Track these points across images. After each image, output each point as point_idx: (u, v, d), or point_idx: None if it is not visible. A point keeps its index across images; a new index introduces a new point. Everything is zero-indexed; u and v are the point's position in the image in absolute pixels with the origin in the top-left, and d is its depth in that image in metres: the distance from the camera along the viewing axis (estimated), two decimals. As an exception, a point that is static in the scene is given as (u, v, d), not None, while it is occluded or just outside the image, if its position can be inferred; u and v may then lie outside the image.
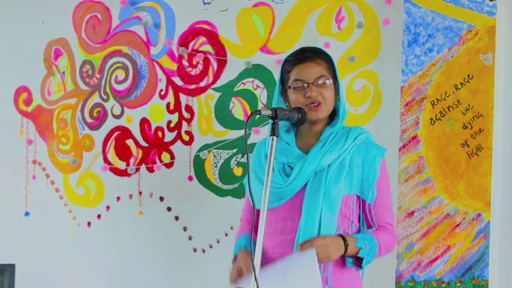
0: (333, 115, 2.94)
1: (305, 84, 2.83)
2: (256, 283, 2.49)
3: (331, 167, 2.82)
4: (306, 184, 2.82)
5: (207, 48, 4.13)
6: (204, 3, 4.14)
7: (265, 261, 2.80)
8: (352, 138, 2.85)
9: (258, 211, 2.72)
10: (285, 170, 2.87)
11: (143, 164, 4.22)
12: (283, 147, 2.90)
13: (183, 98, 4.17)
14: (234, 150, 4.10)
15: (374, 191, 2.83)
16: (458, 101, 3.67)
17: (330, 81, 2.84)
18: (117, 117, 4.28)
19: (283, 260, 2.74)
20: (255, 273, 2.51)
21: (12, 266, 3.89)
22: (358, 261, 2.81)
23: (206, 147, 4.13)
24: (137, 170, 4.23)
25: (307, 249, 2.68)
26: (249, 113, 4.04)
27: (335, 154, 2.82)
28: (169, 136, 4.19)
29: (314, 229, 2.76)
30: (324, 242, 2.70)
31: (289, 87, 2.87)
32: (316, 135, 2.90)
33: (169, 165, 4.19)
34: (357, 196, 2.85)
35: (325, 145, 2.84)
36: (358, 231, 2.87)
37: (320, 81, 2.83)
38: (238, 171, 4.09)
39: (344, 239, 2.76)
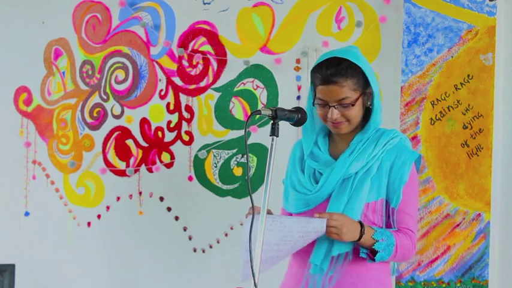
0: (368, 118, 2.88)
1: (327, 105, 2.79)
2: (255, 285, 2.49)
3: (358, 175, 2.80)
4: (333, 191, 2.81)
5: (207, 48, 4.13)
6: (204, 3, 4.14)
7: (291, 262, 2.84)
8: (382, 144, 2.81)
9: (290, 214, 2.86)
10: (316, 176, 2.85)
11: (143, 164, 4.22)
12: (316, 152, 2.88)
13: (183, 98, 4.18)
14: (234, 150, 4.10)
15: (400, 195, 2.79)
16: (458, 101, 3.67)
17: (353, 100, 2.76)
18: (117, 117, 4.28)
19: (296, 217, 2.76)
20: (253, 275, 2.51)
21: (12, 266, 3.90)
22: (373, 254, 2.79)
23: (206, 147, 4.13)
24: (137, 170, 4.23)
25: (320, 218, 2.67)
26: (249, 113, 4.05)
27: (363, 161, 2.79)
28: (169, 136, 4.19)
29: None
30: (341, 218, 2.68)
31: (315, 101, 2.83)
32: (347, 141, 2.86)
33: (169, 166, 4.19)
34: (386, 201, 2.82)
35: (353, 152, 2.81)
36: None
37: (342, 104, 2.79)
38: (238, 171, 4.09)
39: (362, 226, 2.74)
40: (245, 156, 4.05)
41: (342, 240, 2.71)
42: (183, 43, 4.15)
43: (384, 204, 2.80)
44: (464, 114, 3.66)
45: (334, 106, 2.77)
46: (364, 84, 2.80)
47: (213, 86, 4.13)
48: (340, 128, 2.81)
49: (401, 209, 2.79)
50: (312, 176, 2.85)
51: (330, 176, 2.79)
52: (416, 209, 2.86)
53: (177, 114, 4.18)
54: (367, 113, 2.85)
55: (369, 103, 2.83)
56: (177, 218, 4.18)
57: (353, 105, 2.77)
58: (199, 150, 4.13)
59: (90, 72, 4.32)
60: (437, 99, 3.70)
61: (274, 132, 2.65)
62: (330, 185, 2.79)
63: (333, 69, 2.76)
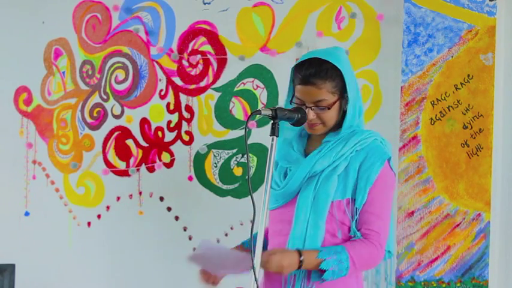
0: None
1: (304, 105, 2.78)
2: (256, 284, 2.49)
3: (324, 173, 2.79)
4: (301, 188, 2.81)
5: (207, 48, 4.13)
6: (204, 3, 4.14)
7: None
8: (351, 144, 2.79)
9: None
10: (286, 173, 2.86)
11: (143, 164, 4.23)
12: (288, 151, 2.88)
13: (183, 98, 4.18)
14: (234, 150, 4.10)
15: (364, 196, 2.77)
16: (458, 101, 3.68)
17: (330, 104, 2.75)
18: (117, 117, 4.28)
19: None
20: (255, 274, 2.51)
21: (12, 266, 3.90)
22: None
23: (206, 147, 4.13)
24: (137, 170, 4.23)
25: None
26: (249, 113, 4.05)
27: (329, 160, 2.78)
28: (169, 136, 4.19)
29: (303, 233, 2.75)
30: (270, 258, 2.67)
31: (293, 99, 2.83)
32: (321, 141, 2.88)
33: (169, 165, 4.19)
34: (353, 200, 2.80)
35: (322, 150, 2.81)
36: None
37: (318, 106, 2.77)
38: (238, 171, 4.09)
39: (300, 254, 2.69)
40: (245, 156, 4.05)
41: (285, 273, 2.69)
42: (183, 43, 4.15)
43: (350, 203, 2.77)
44: (464, 114, 3.67)
45: (310, 107, 2.76)
46: (343, 88, 2.77)
47: (213, 86, 4.14)
48: (315, 129, 2.81)
49: (365, 209, 2.75)
50: (283, 173, 2.86)
51: (296, 173, 2.79)
52: (385, 208, 2.79)
53: (177, 114, 4.18)
54: (345, 115, 2.82)
55: (346, 107, 2.80)
56: (177, 218, 4.18)
57: (329, 108, 2.76)
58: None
59: (90, 72, 4.32)
60: (437, 99, 3.70)
61: (274, 132, 2.65)
62: (295, 182, 2.79)
63: (313, 70, 2.74)
